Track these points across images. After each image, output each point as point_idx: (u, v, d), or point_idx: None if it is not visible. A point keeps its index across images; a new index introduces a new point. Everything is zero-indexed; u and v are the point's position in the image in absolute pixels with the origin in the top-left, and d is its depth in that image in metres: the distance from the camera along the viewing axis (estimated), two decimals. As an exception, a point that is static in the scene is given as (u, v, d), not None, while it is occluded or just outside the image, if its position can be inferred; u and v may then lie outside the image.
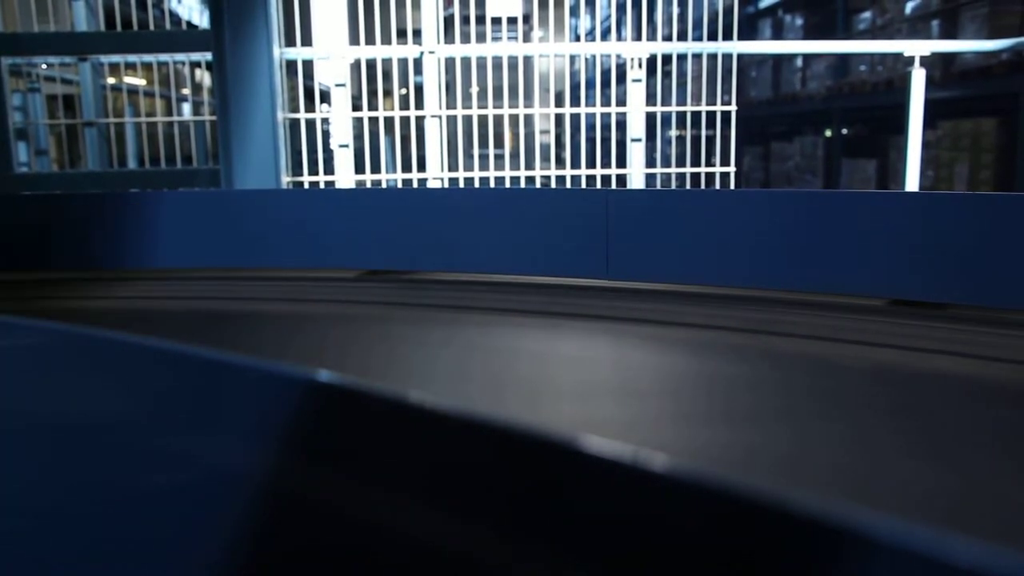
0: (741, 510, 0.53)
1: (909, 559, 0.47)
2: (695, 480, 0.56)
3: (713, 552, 0.55)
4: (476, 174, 5.54)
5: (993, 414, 2.00)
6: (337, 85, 5.38)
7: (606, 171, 5.53)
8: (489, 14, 5.44)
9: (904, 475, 1.58)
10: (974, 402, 2.09)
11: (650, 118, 5.60)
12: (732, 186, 5.48)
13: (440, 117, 5.45)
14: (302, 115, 5.33)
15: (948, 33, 7.37)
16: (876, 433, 1.83)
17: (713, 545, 0.55)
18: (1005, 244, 3.04)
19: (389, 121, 5.53)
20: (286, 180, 5.26)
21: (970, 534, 0.48)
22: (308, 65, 5.64)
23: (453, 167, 5.64)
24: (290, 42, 5.26)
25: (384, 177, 5.58)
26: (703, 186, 5.44)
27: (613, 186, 5.44)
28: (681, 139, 5.48)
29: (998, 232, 3.06)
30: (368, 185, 5.53)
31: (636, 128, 5.52)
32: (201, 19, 9.08)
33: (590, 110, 5.52)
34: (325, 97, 5.64)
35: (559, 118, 6.30)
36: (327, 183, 5.44)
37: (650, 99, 5.61)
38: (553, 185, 5.61)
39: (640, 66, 5.45)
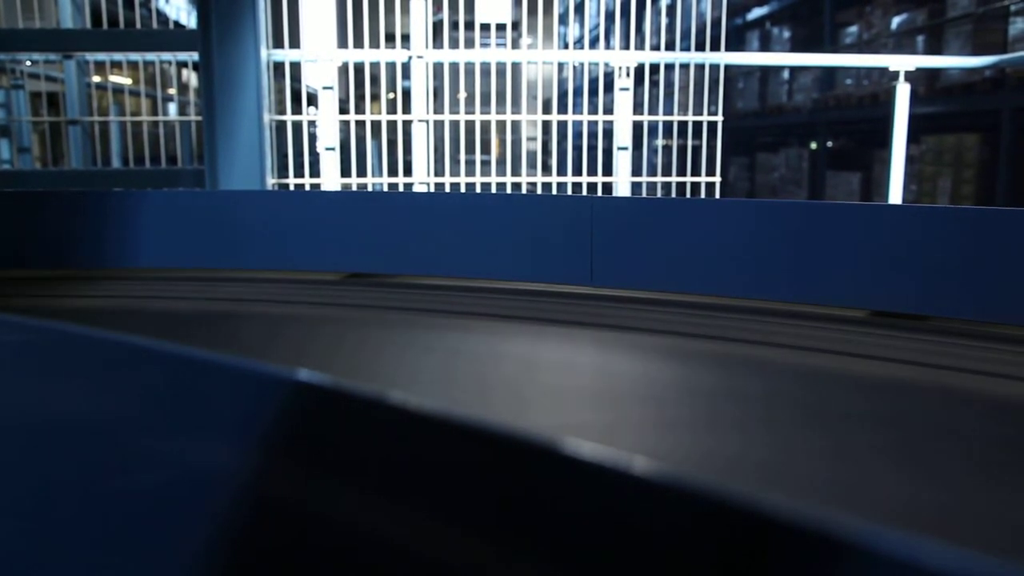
0: (720, 513, 0.53)
1: (883, 562, 0.47)
2: (674, 483, 0.56)
3: (692, 553, 0.55)
4: (462, 179, 5.55)
5: (968, 425, 2.01)
6: (324, 88, 5.37)
7: (592, 179, 5.54)
8: (478, 20, 5.45)
9: (879, 482, 1.58)
10: (948, 412, 2.10)
11: (637, 127, 5.62)
12: (717, 196, 5.51)
13: (427, 122, 5.46)
14: (288, 117, 5.31)
15: (933, 49, 7.45)
16: (853, 442, 1.84)
17: (692, 546, 0.55)
18: (986, 257, 3.08)
19: (376, 125, 5.52)
20: (271, 182, 5.25)
21: (949, 538, 0.48)
22: (296, 67, 5.63)
23: (439, 172, 5.64)
24: (278, 44, 5.25)
25: (370, 181, 5.57)
26: (688, 195, 5.47)
27: (599, 194, 5.46)
28: (667, 148, 5.51)
29: (979, 246, 3.09)
30: (354, 189, 5.52)
31: (623, 137, 5.54)
32: (189, 19, 9.05)
33: (577, 118, 5.54)
34: (312, 100, 5.63)
35: (546, 125, 6.31)
36: (312, 186, 5.43)
37: (637, 108, 5.63)
38: (539, 192, 5.62)
39: (628, 75, 5.47)
